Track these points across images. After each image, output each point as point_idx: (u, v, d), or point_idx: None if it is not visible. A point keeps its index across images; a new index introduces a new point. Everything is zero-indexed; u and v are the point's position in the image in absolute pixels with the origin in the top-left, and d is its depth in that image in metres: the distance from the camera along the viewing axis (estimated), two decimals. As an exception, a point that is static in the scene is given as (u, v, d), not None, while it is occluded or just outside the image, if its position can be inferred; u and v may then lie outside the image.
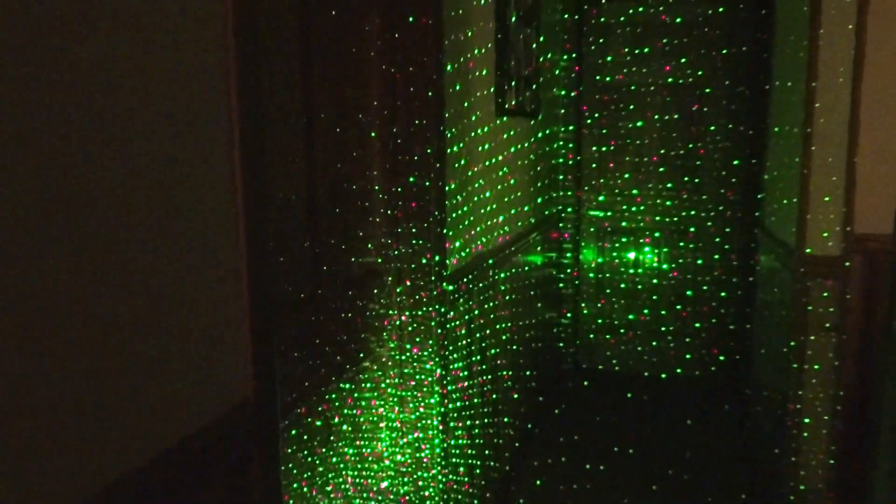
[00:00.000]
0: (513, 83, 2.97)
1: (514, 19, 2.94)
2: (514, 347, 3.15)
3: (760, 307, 3.48)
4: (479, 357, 2.59)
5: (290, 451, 1.64)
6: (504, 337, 2.95)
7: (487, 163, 2.70)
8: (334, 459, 1.86)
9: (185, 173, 1.06)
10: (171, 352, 1.04)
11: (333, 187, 1.81)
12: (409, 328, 2.11)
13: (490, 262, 2.69)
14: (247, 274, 1.20)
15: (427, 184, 2.03)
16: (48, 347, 0.84)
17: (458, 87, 2.30)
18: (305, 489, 1.72)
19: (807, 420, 2.56)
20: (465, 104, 2.40)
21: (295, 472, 1.67)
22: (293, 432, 1.66)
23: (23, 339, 0.81)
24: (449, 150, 2.20)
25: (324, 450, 1.80)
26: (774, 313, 3.05)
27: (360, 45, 1.91)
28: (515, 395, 3.19)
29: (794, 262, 2.56)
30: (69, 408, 0.87)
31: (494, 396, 2.82)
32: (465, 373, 2.43)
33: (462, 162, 2.38)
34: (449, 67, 2.18)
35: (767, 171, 3.47)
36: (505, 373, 2.98)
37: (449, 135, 2.19)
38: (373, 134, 1.99)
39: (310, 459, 1.74)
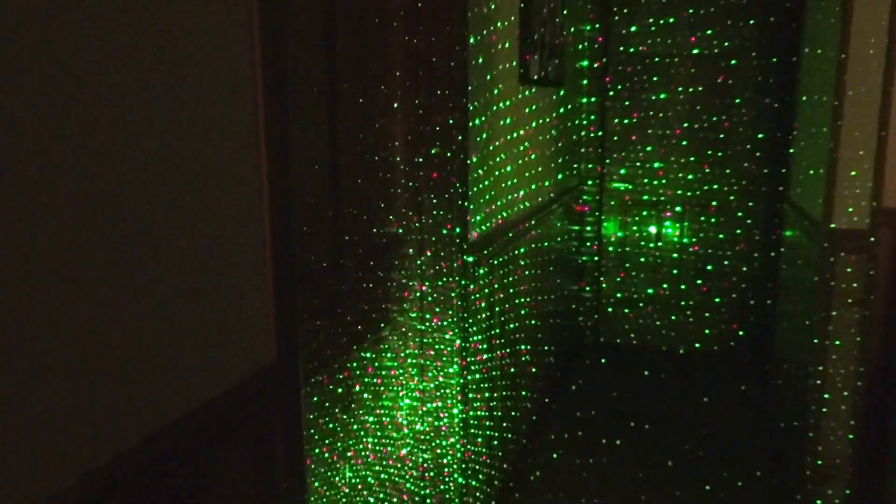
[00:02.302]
0: (536, 54, 2.93)
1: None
2: (533, 322, 3.15)
3: (784, 281, 3.45)
4: (498, 331, 2.60)
5: (311, 417, 1.67)
6: (523, 311, 2.95)
7: (509, 136, 2.68)
8: (355, 426, 1.89)
9: (210, 145, 1.06)
10: (196, 318, 1.06)
11: (356, 158, 1.81)
12: (430, 298, 2.12)
13: (510, 235, 2.69)
14: (271, 243, 1.21)
15: (448, 154, 2.03)
16: (80, 313, 0.86)
17: (480, 60, 2.27)
18: (326, 454, 1.76)
19: (826, 395, 2.55)
20: (488, 77, 2.38)
21: (316, 437, 1.70)
22: (315, 399, 1.68)
23: (60, 306, 0.83)
24: (471, 124, 2.19)
25: (344, 416, 1.83)
26: (798, 287, 3.02)
27: (382, 14, 1.89)
28: (534, 370, 3.21)
29: (820, 235, 2.52)
30: (98, 372, 0.89)
31: (513, 370, 2.83)
32: (485, 346, 2.44)
33: (484, 136, 2.36)
34: (472, 40, 2.16)
35: (794, 145, 3.41)
36: (523, 347, 2.99)
37: (471, 108, 2.18)
38: (395, 105, 1.99)
39: (331, 426, 1.77)
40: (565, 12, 3.48)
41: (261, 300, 1.21)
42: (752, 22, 3.99)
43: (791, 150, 3.48)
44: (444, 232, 2.07)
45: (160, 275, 0.98)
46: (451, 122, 2.01)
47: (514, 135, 2.75)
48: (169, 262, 1.00)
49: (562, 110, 3.66)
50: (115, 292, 0.91)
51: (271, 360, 1.25)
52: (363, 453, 1.94)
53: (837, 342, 2.51)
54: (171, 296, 1.01)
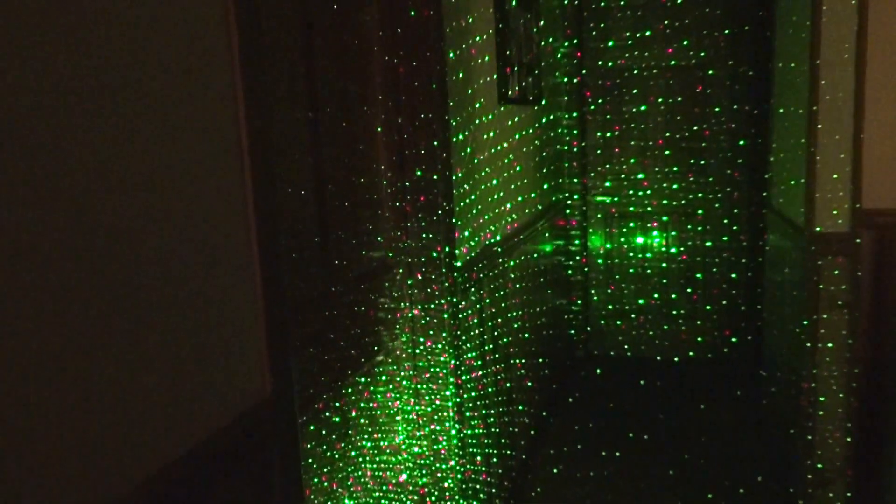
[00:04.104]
0: (515, 70, 2.96)
1: (513, 5, 2.93)
2: (526, 336, 3.15)
3: (771, 287, 3.47)
4: (491, 346, 2.60)
5: (309, 446, 1.66)
6: (515, 325, 2.96)
7: (493, 150, 2.70)
8: (353, 453, 1.88)
9: (195, 174, 1.06)
10: (188, 353, 1.05)
11: (341, 183, 1.82)
12: (422, 321, 2.12)
13: (499, 250, 2.69)
14: (260, 272, 1.21)
15: (435, 177, 2.04)
16: (68, 352, 0.85)
17: (460, 75, 2.29)
18: (325, 483, 1.74)
19: (822, 399, 2.56)
20: (469, 91, 2.39)
21: (315, 466, 1.69)
22: (311, 428, 1.67)
23: (45, 343, 0.82)
24: (454, 139, 2.20)
25: (342, 444, 1.82)
26: (786, 293, 3.05)
27: (361, 38, 1.91)
28: (529, 384, 3.20)
29: (804, 240, 2.55)
30: (91, 413, 0.88)
31: (508, 385, 2.83)
32: (479, 362, 2.44)
33: (468, 150, 2.38)
34: (451, 55, 2.18)
35: (773, 151, 3.45)
36: (518, 361, 2.99)
37: (454, 123, 2.19)
38: (378, 128, 2.00)
39: (329, 454, 1.76)
40: (542, 25, 3.52)
41: (253, 331, 1.21)
42: (726, 32, 4.06)
43: (771, 157, 3.52)
44: (434, 254, 2.08)
45: (148, 309, 0.98)
46: (435, 144, 2.03)
47: (498, 147, 2.77)
48: (157, 296, 0.99)
49: (543, 122, 3.69)
50: (104, 334, 0.90)
51: (266, 392, 1.24)
52: (362, 480, 1.93)
53: (830, 345, 2.52)
54: (161, 330, 1.00)
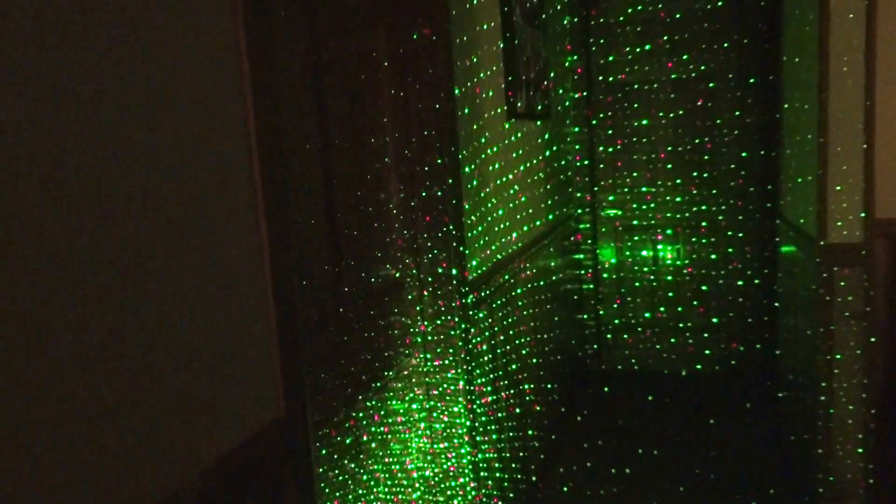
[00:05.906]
0: (522, 91, 2.97)
1: (519, 21, 2.94)
2: (535, 360, 3.13)
3: (782, 297, 3.46)
4: (501, 373, 2.58)
5: (321, 469, 1.64)
6: (524, 351, 2.94)
7: (499, 181, 2.69)
8: (364, 476, 1.86)
9: (210, 200, 1.06)
10: (202, 375, 1.05)
11: (351, 209, 1.82)
12: (431, 338, 2.11)
13: (507, 276, 2.68)
14: (273, 298, 1.21)
15: (440, 194, 2.04)
16: (81, 373, 0.84)
17: (466, 111, 2.29)
18: (338, 507, 1.72)
19: (833, 410, 2.54)
20: (475, 126, 2.39)
21: (327, 490, 1.67)
22: (323, 451, 1.66)
23: (56, 363, 0.81)
24: (463, 170, 2.19)
25: (354, 466, 1.80)
26: (797, 303, 3.03)
27: (369, 66, 1.92)
28: (538, 408, 3.18)
29: (815, 251, 2.54)
30: (105, 433, 0.88)
31: (518, 410, 2.81)
32: (489, 388, 2.42)
33: (475, 182, 2.37)
34: (457, 91, 2.17)
35: (781, 162, 3.45)
36: (527, 386, 2.97)
37: (460, 156, 2.19)
38: (386, 153, 2.00)
39: (341, 477, 1.74)
40: (547, 41, 3.53)
41: (266, 354, 1.20)
42: (726, 45, 4.07)
43: (778, 168, 3.52)
44: (441, 271, 2.07)
45: (163, 333, 0.97)
46: (439, 161, 2.03)
47: (504, 179, 2.76)
48: (173, 321, 0.99)
49: (549, 146, 3.69)
50: (118, 355, 0.89)
51: (279, 414, 1.23)
52: (374, 503, 1.91)
53: (839, 356, 2.50)
54: (175, 356, 0.99)
